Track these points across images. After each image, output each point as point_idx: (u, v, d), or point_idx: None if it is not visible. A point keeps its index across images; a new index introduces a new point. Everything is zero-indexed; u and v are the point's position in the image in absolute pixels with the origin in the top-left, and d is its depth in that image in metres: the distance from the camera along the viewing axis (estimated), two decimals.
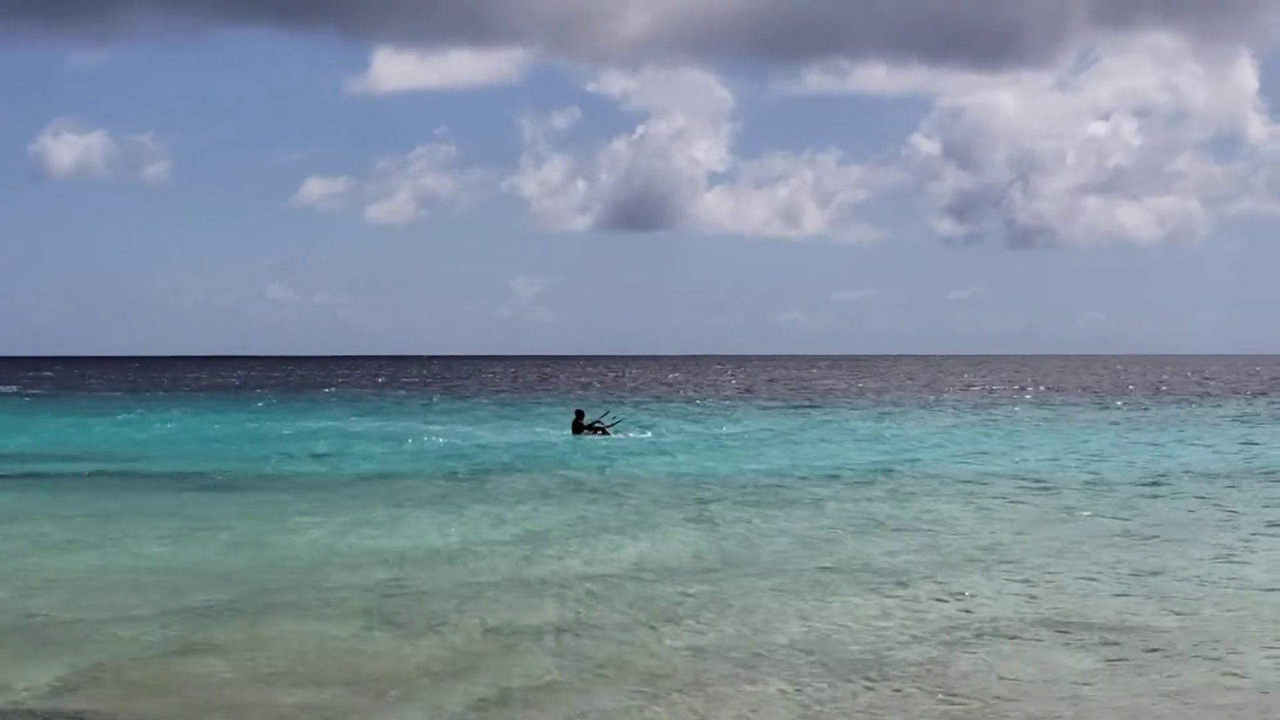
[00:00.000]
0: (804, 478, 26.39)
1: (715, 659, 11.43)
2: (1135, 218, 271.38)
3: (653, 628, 12.62)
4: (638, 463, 29.93)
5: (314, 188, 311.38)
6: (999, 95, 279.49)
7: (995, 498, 23.13)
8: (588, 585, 14.73)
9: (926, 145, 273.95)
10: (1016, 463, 29.90)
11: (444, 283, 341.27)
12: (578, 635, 12.36)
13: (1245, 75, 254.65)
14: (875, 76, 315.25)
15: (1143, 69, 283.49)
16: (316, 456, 32.27)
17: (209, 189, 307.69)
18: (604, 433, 39.79)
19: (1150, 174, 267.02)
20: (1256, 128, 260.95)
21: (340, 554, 17.26)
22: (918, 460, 30.37)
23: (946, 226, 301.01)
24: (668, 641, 12.09)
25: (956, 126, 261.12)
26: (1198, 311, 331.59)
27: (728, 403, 62.47)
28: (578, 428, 40.60)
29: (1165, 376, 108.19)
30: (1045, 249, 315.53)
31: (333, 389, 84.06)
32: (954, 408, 57.15)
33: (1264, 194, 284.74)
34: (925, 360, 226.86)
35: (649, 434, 40.47)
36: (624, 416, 44.31)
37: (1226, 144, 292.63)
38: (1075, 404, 60.72)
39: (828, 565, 16.06)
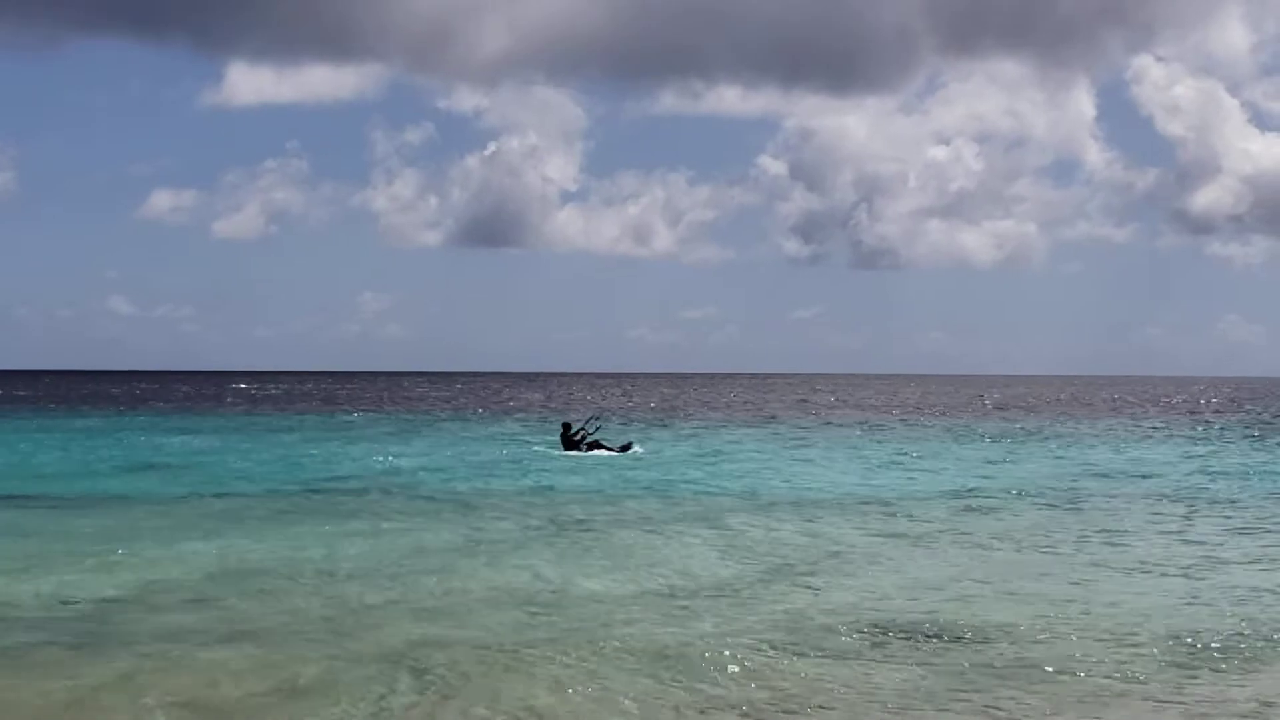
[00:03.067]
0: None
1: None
2: (975, 240, 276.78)
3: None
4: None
5: (161, 200, 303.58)
6: (847, 119, 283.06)
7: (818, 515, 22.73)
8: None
9: (774, 167, 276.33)
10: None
11: (291, 298, 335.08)
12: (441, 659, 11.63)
13: (1083, 103, 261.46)
14: (729, 99, 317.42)
15: (986, 95, 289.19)
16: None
17: (54, 200, 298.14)
18: (598, 447, 37.84)
19: (990, 198, 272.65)
20: (1093, 154, 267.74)
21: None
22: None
23: (793, 247, 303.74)
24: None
25: (804, 148, 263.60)
26: (1034, 332, 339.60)
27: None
28: (568, 442, 38.46)
29: (996, 394, 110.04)
30: (888, 270, 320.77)
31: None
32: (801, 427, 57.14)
33: (1099, 219, 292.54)
34: (763, 378, 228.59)
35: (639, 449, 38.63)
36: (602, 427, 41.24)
37: (1064, 169, 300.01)
38: (880, 423, 61.19)
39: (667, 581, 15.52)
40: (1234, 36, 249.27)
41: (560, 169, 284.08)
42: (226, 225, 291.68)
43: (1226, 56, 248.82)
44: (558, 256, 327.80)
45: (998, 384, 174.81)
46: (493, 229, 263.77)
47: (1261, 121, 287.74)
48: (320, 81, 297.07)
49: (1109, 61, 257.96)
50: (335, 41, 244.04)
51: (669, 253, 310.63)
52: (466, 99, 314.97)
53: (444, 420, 58.89)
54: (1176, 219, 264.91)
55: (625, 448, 38.69)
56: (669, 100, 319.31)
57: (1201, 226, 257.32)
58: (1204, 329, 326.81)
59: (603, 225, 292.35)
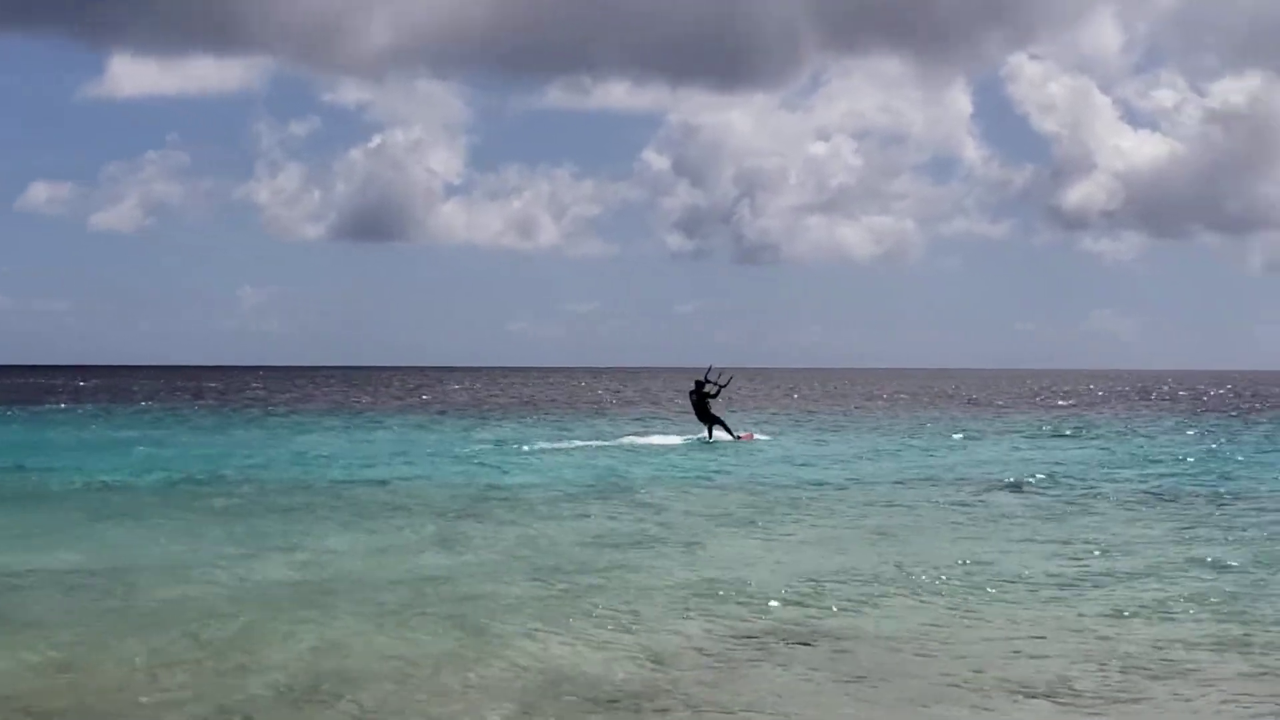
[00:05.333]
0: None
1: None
2: (855, 236, 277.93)
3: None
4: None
5: (39, 192, 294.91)
6: (731, 115, 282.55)
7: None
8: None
9: (659, 162, 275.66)
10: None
11: (171, 291, 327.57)
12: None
13: (961, 101, 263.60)
14: (616, 94, 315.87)
15: (867, 92, 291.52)
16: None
17: None
18: (721, 425, 36.82)
19: (870, 194, 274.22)
20: (970, 151, 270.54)
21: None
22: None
23: (676, 241, 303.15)
24: None
25: (688, 144, 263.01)
26: (912, 327, 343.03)
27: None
28: (700, 402, 36.94)
29: (860, 388, 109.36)
30: (769, 265, 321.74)
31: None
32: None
33: (976, 215, 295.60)
34: (650, 371, 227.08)
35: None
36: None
37: (943, 166, 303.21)
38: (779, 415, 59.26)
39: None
40: (1106, 35, 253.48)
41: (445, 162, 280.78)
42: (105, 217, 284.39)
43: (1099, 55, 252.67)
44: (442, 250, 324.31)
45: (874, 377, 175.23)
46: (377, 222, 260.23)
47: (1133, 119, 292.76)
48: (204, 74, 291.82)
49: (986, 59, 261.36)
50: (220, 34, 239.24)
51: (553, 247, 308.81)
52: (351, 92, 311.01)
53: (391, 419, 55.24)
54: (1051, 215, 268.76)
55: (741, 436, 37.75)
56: (555, 95, 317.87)
57: (1075, 222, 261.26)
58: (1076, 323, 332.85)
59: (487, 219, 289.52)
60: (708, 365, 37.20)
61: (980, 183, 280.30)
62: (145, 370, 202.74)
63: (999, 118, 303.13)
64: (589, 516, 20.50)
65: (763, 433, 40.98)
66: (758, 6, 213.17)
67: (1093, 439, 40.86)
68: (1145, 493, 24.10)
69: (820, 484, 25.62)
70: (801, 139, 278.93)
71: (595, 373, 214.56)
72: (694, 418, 37.72)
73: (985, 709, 9.59)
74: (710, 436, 37.13)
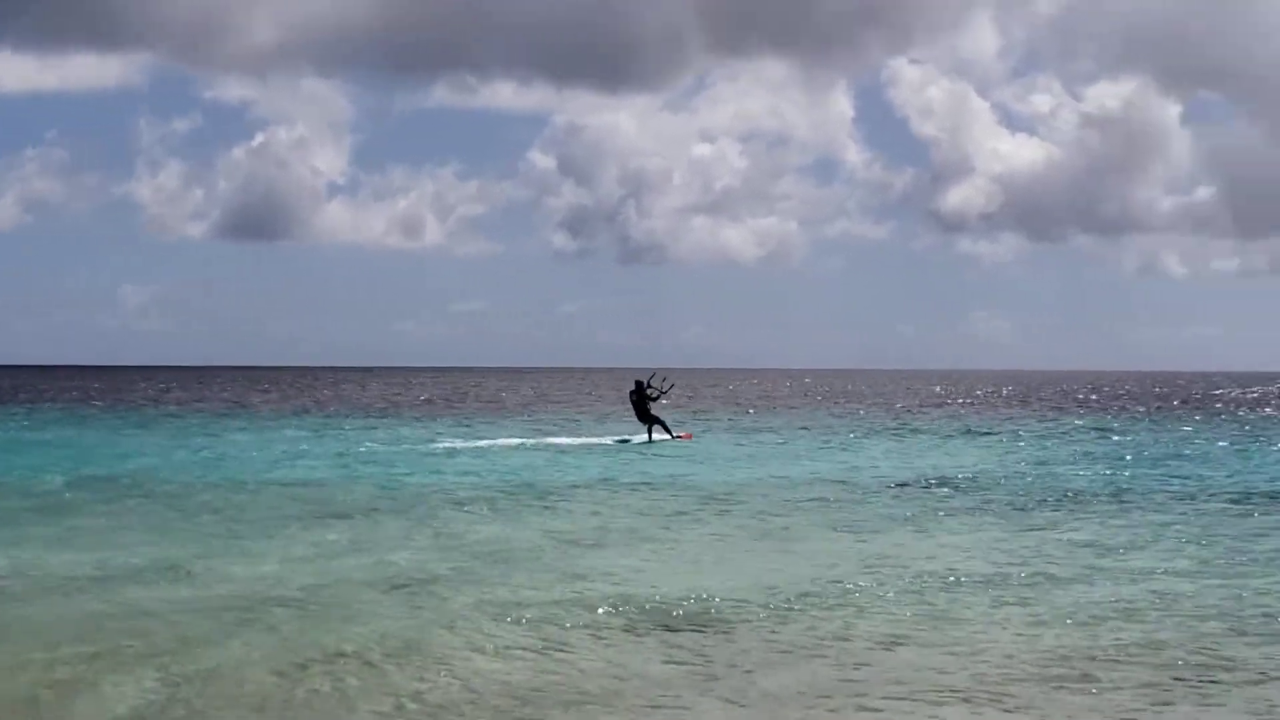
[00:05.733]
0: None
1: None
2: (739, 237, 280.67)
3: None
4: None
5: None
6: (616, 116, 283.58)
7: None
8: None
9: (544, 162, 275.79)
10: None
11: (50, 290, 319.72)
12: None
13: (843, 104, 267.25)
14: (502, 94, 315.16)
15: (751, 95, 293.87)
16: None
17: None
18: (660, 425, 37.17)
19: (754, 195, 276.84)
20: (852, 154, 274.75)
21: None
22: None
23: (561, 241, 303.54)
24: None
25: (574, 144, 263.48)
26: (796, 327, 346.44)
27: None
28: (641, 401, 37.03)
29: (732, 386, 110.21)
30: (654, 265, 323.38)
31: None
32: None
33: (858, 217, 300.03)
34: (534, 372, 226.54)
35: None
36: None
37: (825, 168, 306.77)
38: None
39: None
40: (984, 40, 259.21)
41: (329, 161, 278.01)
42: None
43: (977, 59, 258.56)
44: (327, 250, 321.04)
45: (761, 377, 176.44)
46: (260, 221, 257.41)
47: (1010, 122, 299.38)
48: (84, 70, 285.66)
49: (867, 63, 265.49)
50: (100, 29, 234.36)
51: (438, 246, 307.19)
52: (234, 89, 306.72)
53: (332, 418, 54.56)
54: (931, 218, 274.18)
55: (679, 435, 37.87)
56: (441, 94, 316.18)
57: (954, 225, 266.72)
58: (956, 324, 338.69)
59: (372, 218, 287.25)
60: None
61: (862, 185, 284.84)
62: (24, 370, 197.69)
63: (880, 121, 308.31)
64: (500, 516, 20.53)
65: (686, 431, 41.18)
66: (643, 9, 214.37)
67: (998, 439, 41.52)
68: (1045, 492, 24.65)
69: (741, 484, 25.88)
70: (686, 140, 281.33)
71: (484, 373, 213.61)
72: (619, 418, 38.15)
73: (869, 709, 9.73)
74: (650, 438, 37.48)
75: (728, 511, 21.45)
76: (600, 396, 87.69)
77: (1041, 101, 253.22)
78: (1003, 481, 26.66)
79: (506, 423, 50.90)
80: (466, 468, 29.34)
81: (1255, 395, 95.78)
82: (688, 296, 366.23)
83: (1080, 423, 52.66)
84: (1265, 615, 12.84)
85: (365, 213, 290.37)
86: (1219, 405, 74.24)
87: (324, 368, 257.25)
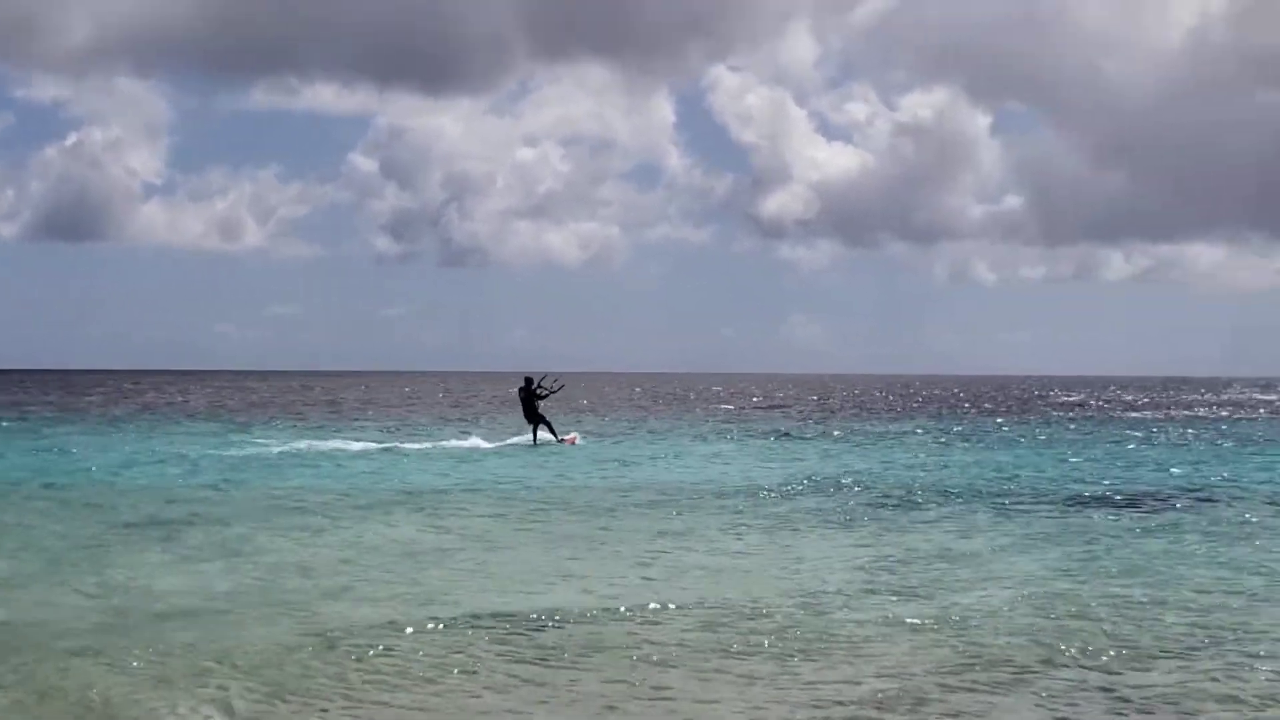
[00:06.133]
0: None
1: None
2: (561, 240, 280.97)
3: None
4: None
5: None
6: (440, 119, 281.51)
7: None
8: None
9: (366, 164, 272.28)
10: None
11: None
12: None
13: (665, 110, 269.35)
14: (324, 96, 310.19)
15: (574, 100, 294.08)
16: None
17: None
18: (547, 426, 37.22)
19: (577, 199, 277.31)
20: (673, 159, 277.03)
21: None
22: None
23: (383, 244, 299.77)
24: None
25: (396, 147, 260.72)
26: (618, 331, 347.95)
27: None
28: (529, 400, 36.86)
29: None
30: (477, 269, 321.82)
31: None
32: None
33: (679, 221, 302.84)
34: (357, 376, 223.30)
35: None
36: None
37: (647, 174, 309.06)
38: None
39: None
40: (802, 49, 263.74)
41: (145, 162, 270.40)
42: None
43: (795, 68, 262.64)
44: (143, 251, 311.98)
45: (578, 381, 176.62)
46: (73, 222, 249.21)
47: (827, 131, 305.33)
48: None
49: (689, 70, 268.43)
50: None
51: (258, 249, 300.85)
52: (47, 89, 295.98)
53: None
54: (750, 223, 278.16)
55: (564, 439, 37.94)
56: (261, 96, 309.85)
57: (773, 230, 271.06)
58: (775, 328, 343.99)
59: (189, 220, 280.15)
60: (531, 372, 38.15)
61: (683, 191, 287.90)
62: None
63: (701, 127, 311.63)
64: (334, 524, 20.20)
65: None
66: (467, 13, 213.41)
67: (844, 443, 42.22)
68: (897, 495, 25.16)
69: (586, 488, 25.93)
70: (510, 144, 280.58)
71: (306, 376, 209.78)
72: (458, 421, 37.91)
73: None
74: (535, 439, 37.48)
75: (574, 518, 21.32)
76: (433, 400, 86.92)
77: (857, 110, 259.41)
78: (853, 485, 27.04)
79: (341, 427, 50.05)
80: (302, 473, 28.88)
81: (1075, 399, 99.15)
82: (511, 300, 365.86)
83: (917, 428, 53.58)
84: (1126, 610, 13.32)
85: (183, 214, 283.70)
86: (1054, 410, 76.58)
87: (144, 371, 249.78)
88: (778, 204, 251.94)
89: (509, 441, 38.42)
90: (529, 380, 37.68)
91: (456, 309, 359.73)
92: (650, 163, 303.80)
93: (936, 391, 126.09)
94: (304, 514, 21.54)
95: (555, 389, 37.95)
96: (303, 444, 37.45)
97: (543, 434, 37.81)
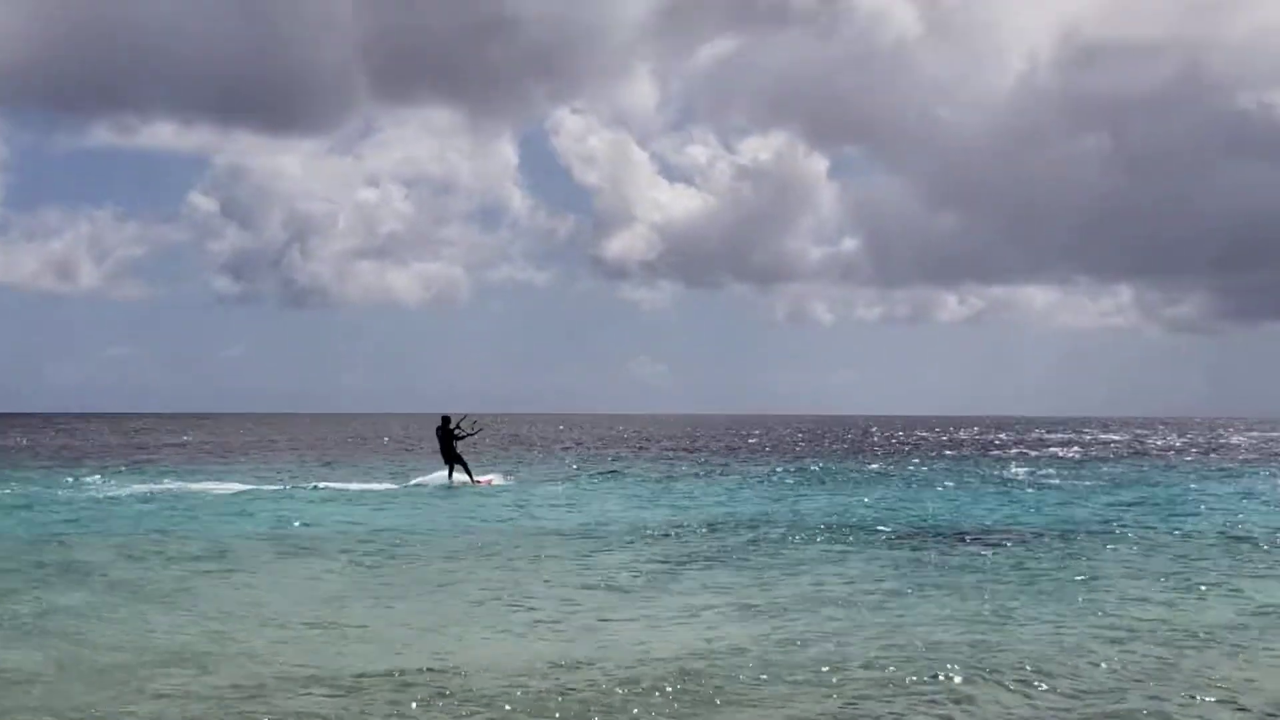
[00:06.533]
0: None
1: None
2: (404, 281, 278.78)
3: None
4: None
5: None
6: (281, 159, 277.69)
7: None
8: None
9: (206, 204, 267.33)
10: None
11: None
12: None
13: (508, 152, 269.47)
14: (163, 135, 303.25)
15: (418, 141, 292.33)
16: None
17: None
18: (464, 466, 36.58)
19: (420, 240, 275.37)
20: (516, 201, 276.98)
21: None
22: None
23: (223, 285, 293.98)
24: None
25: (237, 187, 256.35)
26: (461, 371, 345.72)
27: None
28: (446, 440, 36.34)
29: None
30: (319, 309, 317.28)
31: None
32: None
33: (520, 262, 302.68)
34: (196, 418, 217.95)
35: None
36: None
37: (490, 215, 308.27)
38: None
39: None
40: (643, 92, 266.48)
41: None
42: None
43: (637, 111, 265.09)
44: None
45: (414, 422, 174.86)
46: None
47: (669, 173, 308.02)
48: None
49: (532, 112, 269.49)
50: None
51: (94, 289, 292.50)
52: None
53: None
54: (593, 264, 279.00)
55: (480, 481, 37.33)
56: (100, 134, 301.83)
57: (615, 271, 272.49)
58: (618, 368, 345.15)
59: (23, 259, 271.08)
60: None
61: (526, 232, 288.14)
62: None
63: (544, 169, 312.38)
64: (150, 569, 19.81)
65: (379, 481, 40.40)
66: (309, 53, 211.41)
67: (710, 482, 42.22)
68: (777, 535, 25.35)
69: (431, 531, 25.68)
70: (352, 185, 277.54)
71: (144, 418, 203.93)
72: (313, 463, 37.29)
73: None
74: (451, 477, 37.12)
75: (443, 565, 20.93)
76: (273, 441, 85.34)
77: (698, 153, 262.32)
78: (737, 526, 27.08)
79: (183, 468, 48.73)
80: (148, 518, 28.13)
81: (907, 437, 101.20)
82: (353, 340, 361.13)
83: (777, 467, 53.89)
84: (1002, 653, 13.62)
85: (17, 253, 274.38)
86: (912, 448, 77.98)
87: None
88: (620, 245, 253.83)
89: (413, 482, 38.03)
90: (446, 419, 37.34)
91: (298, 350, 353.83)
92: (493, 204, 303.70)
93: (785, 431, 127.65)
94: (162, 564, 20.89)
95: (474, 431, 37.68)
96: (171, 485, 36.58)
97: (459, 475, 37.41)
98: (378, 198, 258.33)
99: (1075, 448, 79.57)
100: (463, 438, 37.38)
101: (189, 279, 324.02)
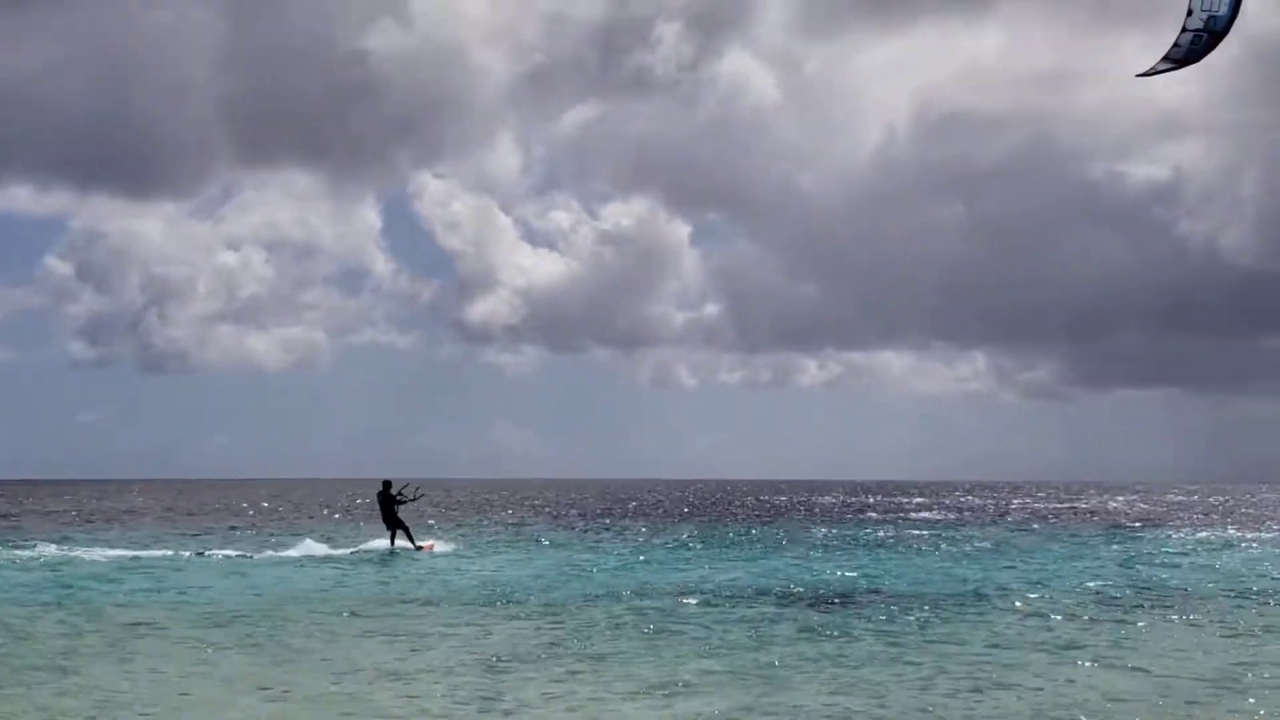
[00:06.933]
0: None
1: None
2: (265, 345, 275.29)
3: None
4: None
5: None
6: (141, 222, 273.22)
7: None
8: None
9: (61, 268, 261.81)
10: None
11: None
12: None
13: (370, 216, 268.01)
14: (20, 198, 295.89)
15: (279, 205, 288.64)
16: None
17: None
18: (405, 531, 36.64)
19: (281, 305, 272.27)
20: (379, 265, 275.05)
21: None
22: None
23: (79, 349, 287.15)
24: None
25: (94, 250, 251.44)
26: (322, 436, 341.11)
27: None
28: (387, 504, 36.24)
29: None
30: (177, 374, 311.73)
31: None
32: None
33: (385, 327, 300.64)
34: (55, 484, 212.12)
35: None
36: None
37: (353, 279, 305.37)
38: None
39: None
40: (506, 158, 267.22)
41: None
42: None
43: (500, 176, 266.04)
44: None
45: (276, 487, 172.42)
46: None
47: (532, 238, 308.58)
48: None
49: (395, 177, 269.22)
50: None
51: None
52: None
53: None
54: (456, 329, 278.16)
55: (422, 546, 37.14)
56: None
57: (478, 336, 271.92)
58: (481, 433, 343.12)
59: None
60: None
61: (389, 296, 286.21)
62: None
63: (407, 233, 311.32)
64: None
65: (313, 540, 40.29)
66: (170, 115, 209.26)
67: (587, 550, 42.44)
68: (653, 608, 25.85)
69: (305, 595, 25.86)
70: (212, 249, 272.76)
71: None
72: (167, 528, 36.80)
73: None
74: (393, 544, 37.14)
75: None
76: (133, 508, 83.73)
77: (561, 219, 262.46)
78: (633, 595, 27.22)
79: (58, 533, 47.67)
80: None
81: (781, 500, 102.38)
82: (212, 405, 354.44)
83: (686, 533, 53.67)
84: None
85: None
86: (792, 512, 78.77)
87: None
88: (484, 310, 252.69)
89: (362, 548, 38.26)
90: (387, 484, 37.53)
91: (156, 415, 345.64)
92: (356, 268, 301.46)
93: (654, 496, 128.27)
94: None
95: (416, 496, 37.95)
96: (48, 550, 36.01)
97: (401, 540, 37.46)
98: (238, 261, 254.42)
99: (936, 511, 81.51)
100: (402, 502, 37.68)
101: (44, 343, 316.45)
